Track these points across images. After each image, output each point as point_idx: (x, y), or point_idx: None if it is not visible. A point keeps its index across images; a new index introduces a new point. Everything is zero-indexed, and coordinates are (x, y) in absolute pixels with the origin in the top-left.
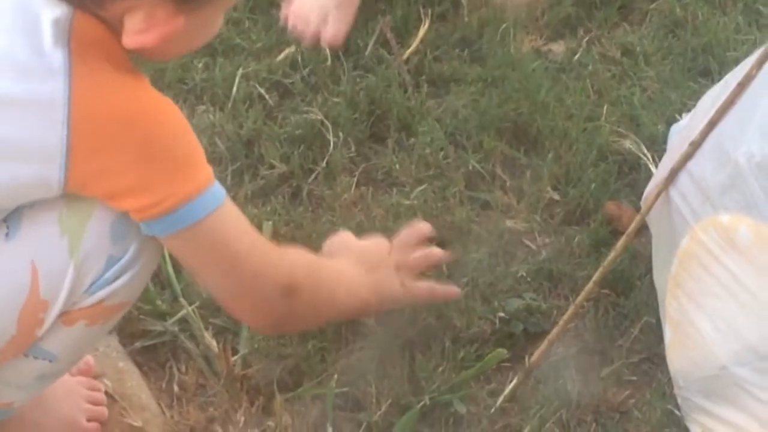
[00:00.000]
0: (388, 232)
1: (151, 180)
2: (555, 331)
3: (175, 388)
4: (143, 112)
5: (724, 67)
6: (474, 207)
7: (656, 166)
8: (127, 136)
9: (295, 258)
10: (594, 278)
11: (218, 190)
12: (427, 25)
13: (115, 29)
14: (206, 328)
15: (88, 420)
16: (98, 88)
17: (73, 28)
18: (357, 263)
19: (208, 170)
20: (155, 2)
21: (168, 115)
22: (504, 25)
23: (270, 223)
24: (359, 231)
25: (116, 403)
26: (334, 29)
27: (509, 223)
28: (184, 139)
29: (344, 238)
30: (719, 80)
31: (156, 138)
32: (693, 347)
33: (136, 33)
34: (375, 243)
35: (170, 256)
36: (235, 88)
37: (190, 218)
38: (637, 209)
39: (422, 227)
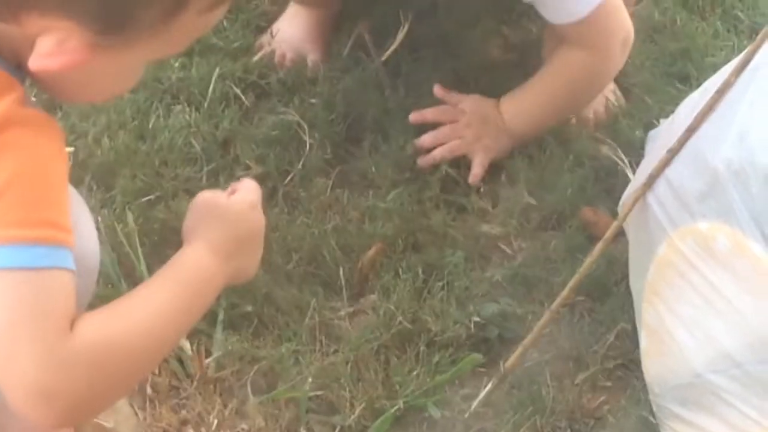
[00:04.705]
0: (364, 235)
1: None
2: (530, 336)
3: (148, 389)
4: None
5: (703, 72)
6: (450, 211)
7: (634, 172)
8: None
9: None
10: (570, 284)
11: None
12: (405, 27)
13: (24, 51)
14: None
15: None
16: None
17: None
18: (211, 251)
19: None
20: (71, 30)
21: None
22: (482, 27)
23: None
24: (334, 234)
25: None
26: (311, 63)
27: (485, 227)
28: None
29: (209, 204)
30: (698, 86)
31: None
32: (668, 354)
33: (43, 55)
34: (244, 207)
35: (143, 255)
36: (211, 88)
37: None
38: (614, 215)
39: None
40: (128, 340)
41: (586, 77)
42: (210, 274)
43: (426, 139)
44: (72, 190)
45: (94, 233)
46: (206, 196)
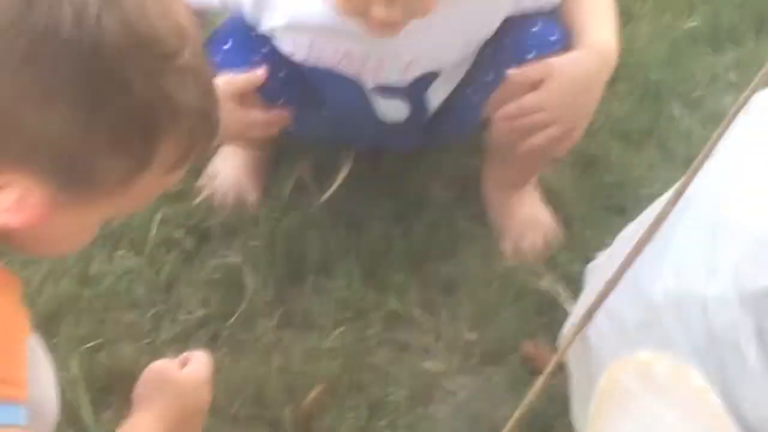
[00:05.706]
0: (308, 375)
1: None
2: None
3: None
4: None
5: (638, 204)
6: (393, 348)
7: (573, 305)
8: None
9: None
10: (511, 420)
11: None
12: (347, 167)
13: None
14: None
15: None
16: None
17: None
18: (158, 423)
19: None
20: (32, 186)
21: None
22: (423, 165)
23: None
24: (279, 375)
25: None
26: (251, 204)
27: (427, 364)
28: None
29: (161, 376)
30: (634, 218)
31: None
32: None
33: (3, 211)
34: (194, 383)
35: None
36: (152, 233)
37: None
38: (555, 348)
39: None
40: None
41: None
42: None
43: (508, 110)
44: (35, 338)
45: (53, 381)
46: (160, 368)
